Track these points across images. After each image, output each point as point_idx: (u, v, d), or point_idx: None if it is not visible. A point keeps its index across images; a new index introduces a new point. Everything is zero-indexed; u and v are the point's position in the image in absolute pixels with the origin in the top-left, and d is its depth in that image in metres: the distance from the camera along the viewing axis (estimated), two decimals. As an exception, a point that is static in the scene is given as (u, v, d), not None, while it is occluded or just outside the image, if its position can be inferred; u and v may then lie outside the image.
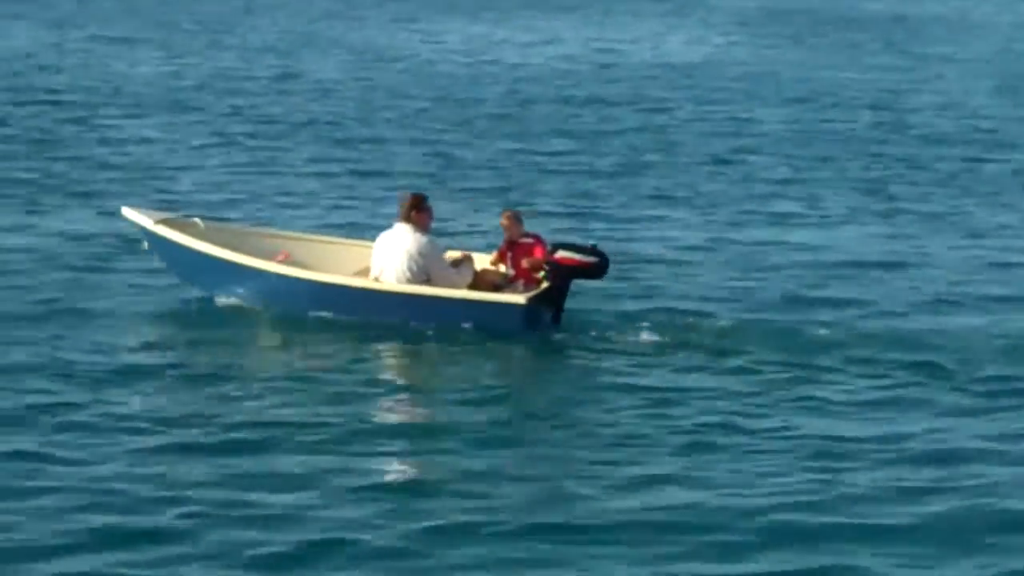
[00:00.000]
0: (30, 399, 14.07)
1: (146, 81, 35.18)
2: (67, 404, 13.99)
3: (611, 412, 14.35)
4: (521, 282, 16.96)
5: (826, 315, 17.55)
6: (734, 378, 15.33)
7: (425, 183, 23.73)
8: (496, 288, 16.89)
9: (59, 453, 12.78)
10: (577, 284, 16.95)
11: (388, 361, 15.95)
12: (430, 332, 16.29)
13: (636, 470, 12.82)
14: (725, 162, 27.43)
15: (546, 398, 15.00)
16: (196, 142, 27.66)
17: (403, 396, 14.95)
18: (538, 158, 27.26)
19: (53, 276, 18.31)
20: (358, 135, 29.03)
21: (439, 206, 17.59)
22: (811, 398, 14.83)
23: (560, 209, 23.02)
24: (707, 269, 19.69)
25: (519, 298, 16.34)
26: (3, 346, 15.61)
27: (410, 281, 16.46)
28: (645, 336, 16.42)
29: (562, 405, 14.68)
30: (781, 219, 23.00)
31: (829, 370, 15.62)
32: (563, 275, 16.66)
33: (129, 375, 14.91)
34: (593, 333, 16.57)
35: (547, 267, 16.70)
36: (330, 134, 29.06)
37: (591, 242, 17.19)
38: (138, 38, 44.34)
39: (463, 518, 11.64)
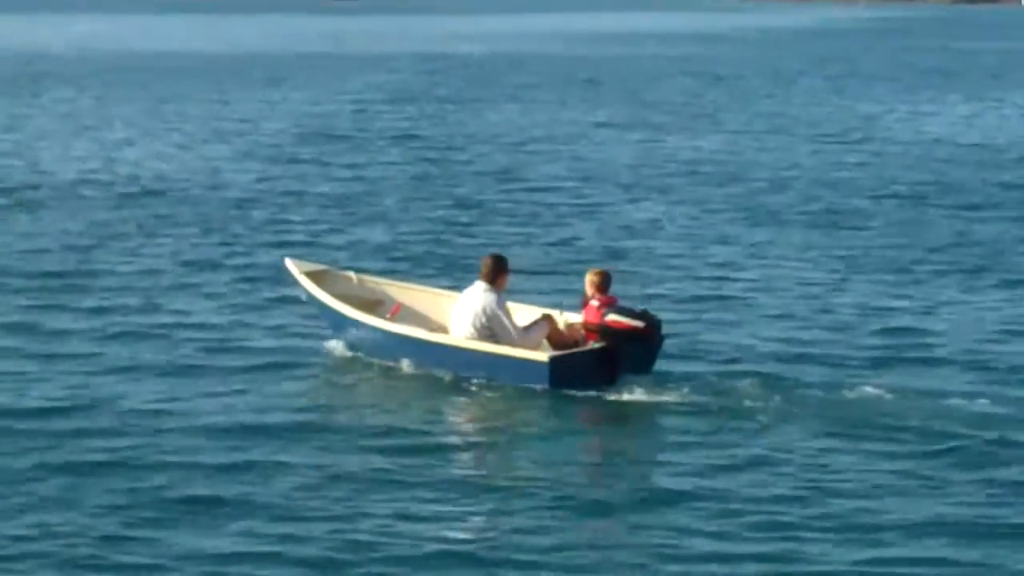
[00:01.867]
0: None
1: (630, 163, 37.21)
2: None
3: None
4: (591, 342, 17.95)
5: None
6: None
7: (900, 274, 24.37)
8: (575, 345, 17.95)
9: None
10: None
11: (436, 412, 16.99)
12: (482, 384, 17.49)
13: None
14: None
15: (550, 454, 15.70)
16: (669, 226, 28.68)
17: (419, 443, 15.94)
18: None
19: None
20: (828, 219, 29.36)
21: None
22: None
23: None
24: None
25: (543, 356, 17.36)
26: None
27: (473, 336, 17.77)
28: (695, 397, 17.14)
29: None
30: None
31: None
32: (611, 337, 17.56)
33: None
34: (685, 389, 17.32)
35: (598, 329, 17.64)
36: (805, 219, 29.53)
37: (640, 307, 18.00)
38: (625, 122, 46.49)
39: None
